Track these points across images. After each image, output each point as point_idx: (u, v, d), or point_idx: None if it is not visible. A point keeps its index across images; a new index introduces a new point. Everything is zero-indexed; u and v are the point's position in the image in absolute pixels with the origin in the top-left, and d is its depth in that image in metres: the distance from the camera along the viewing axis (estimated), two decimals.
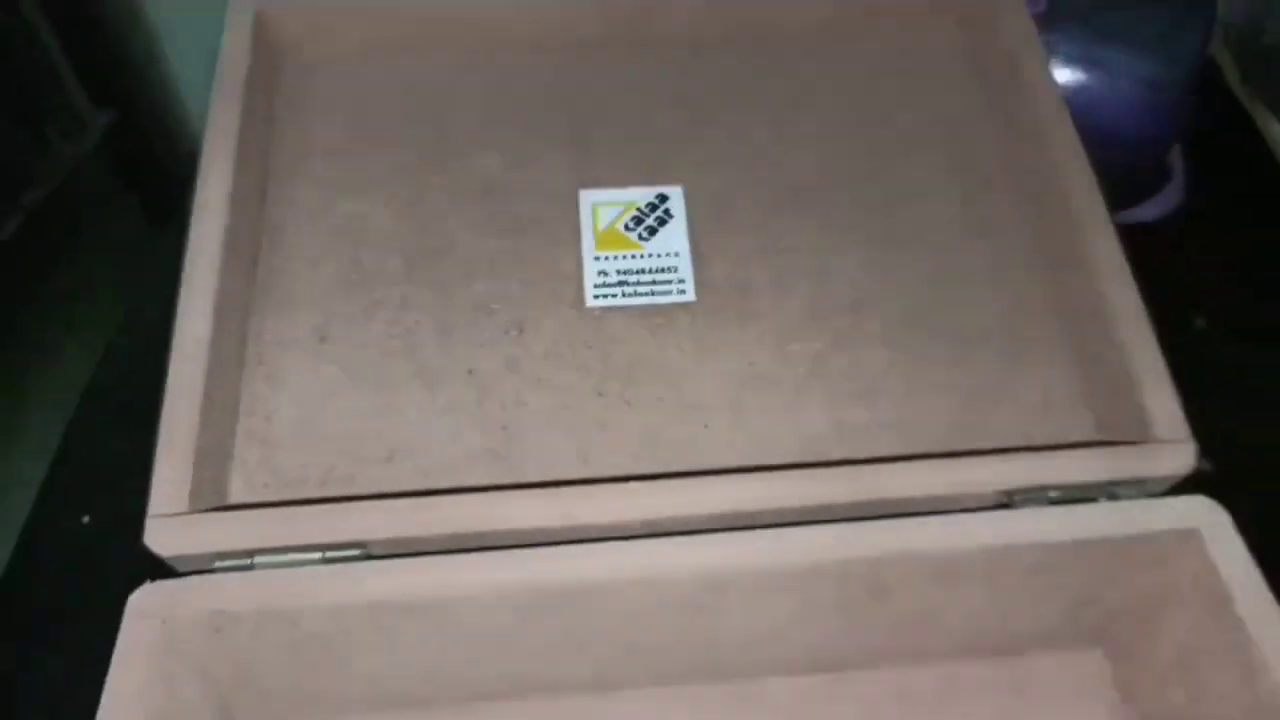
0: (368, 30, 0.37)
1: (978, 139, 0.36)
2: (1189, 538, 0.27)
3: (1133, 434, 0.29)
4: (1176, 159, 0.44)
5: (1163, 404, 0.28)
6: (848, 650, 0.30)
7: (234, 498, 0.29)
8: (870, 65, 0.38)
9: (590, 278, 0.33)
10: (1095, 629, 0.31)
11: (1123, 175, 0.42)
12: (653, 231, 0.34)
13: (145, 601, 0.25)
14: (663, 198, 0.35)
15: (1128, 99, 0.39)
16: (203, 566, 0.26)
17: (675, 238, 0.34)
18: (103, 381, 0.43)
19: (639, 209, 0.34)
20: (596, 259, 0.33)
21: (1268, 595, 0.25)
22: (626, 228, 0.34)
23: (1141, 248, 0.44)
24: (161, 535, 0.25)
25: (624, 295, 0.33)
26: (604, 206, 0.34)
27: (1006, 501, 0.27)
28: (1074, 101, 0.40)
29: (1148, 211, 0.44)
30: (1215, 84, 0.42)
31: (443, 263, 0.33)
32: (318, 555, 0.26)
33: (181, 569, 0.26)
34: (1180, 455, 0.27)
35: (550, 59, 0.38)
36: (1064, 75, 0.39)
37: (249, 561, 0.26)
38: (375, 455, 0.30)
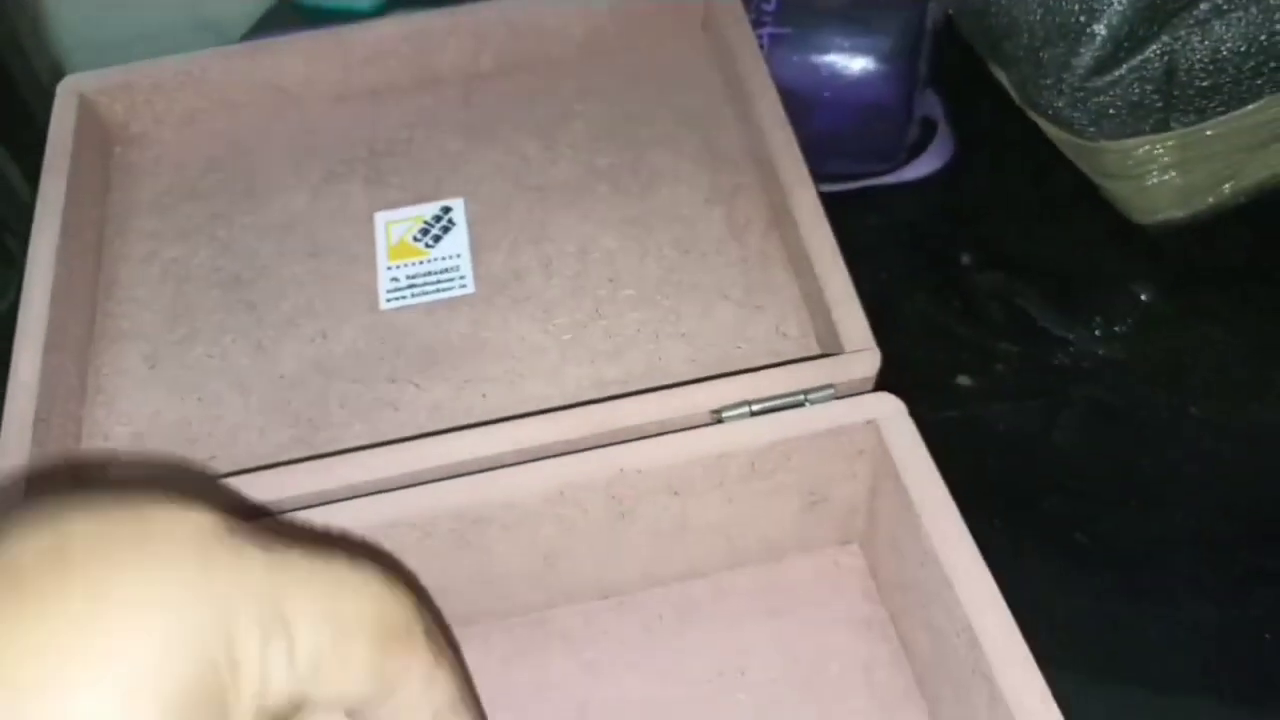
0: (185, 100, 0.42)
1: (719, 127, 0.41)
2: (871, 428, 0.31)
3: (831, 349, 0.33)
4: (940, 117, 0.49)
5: (852, 322, 0.33)
6: (622, 575, 0.34)
7: None
8: (627, 76, 0.43)
9: (384, 285, 0.38)
10: (842, 526, 0.35)
11: (886, 139, 0.47)
12: (438, 239, 0.39)
13: None
14: (446, 209, 0.40)
15: (862, 72, 0.44)
16: None
17: (457, 242, 0.39)
18: None
19: (425, 221, 0.40)
20: (389, 269, 0.38)
21: (929, 465, 0.30)
22: (415, 239, 0.39)
23: (917, 201, 0.49)
24: None
25: (413, 295, 0.38)
26: (395, 224, 0.40)
27: (717, 419, 0.32)
28: (819, 81, 0.45)
29: (920, 168, 0.48)
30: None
31: (254, 290, 0.38)
32: None
33: None
34: (863, 361, 0.32)
35: (348, 107, 0.43)
36: (803, 61, 0.44)
37: None
38: (200, 458, 0.35)
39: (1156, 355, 0.43)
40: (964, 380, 0.41)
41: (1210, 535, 0.38)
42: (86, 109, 0.41)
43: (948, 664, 0.29)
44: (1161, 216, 0.43)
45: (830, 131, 0.46)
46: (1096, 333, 0.43)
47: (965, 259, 0.46)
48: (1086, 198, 0.46)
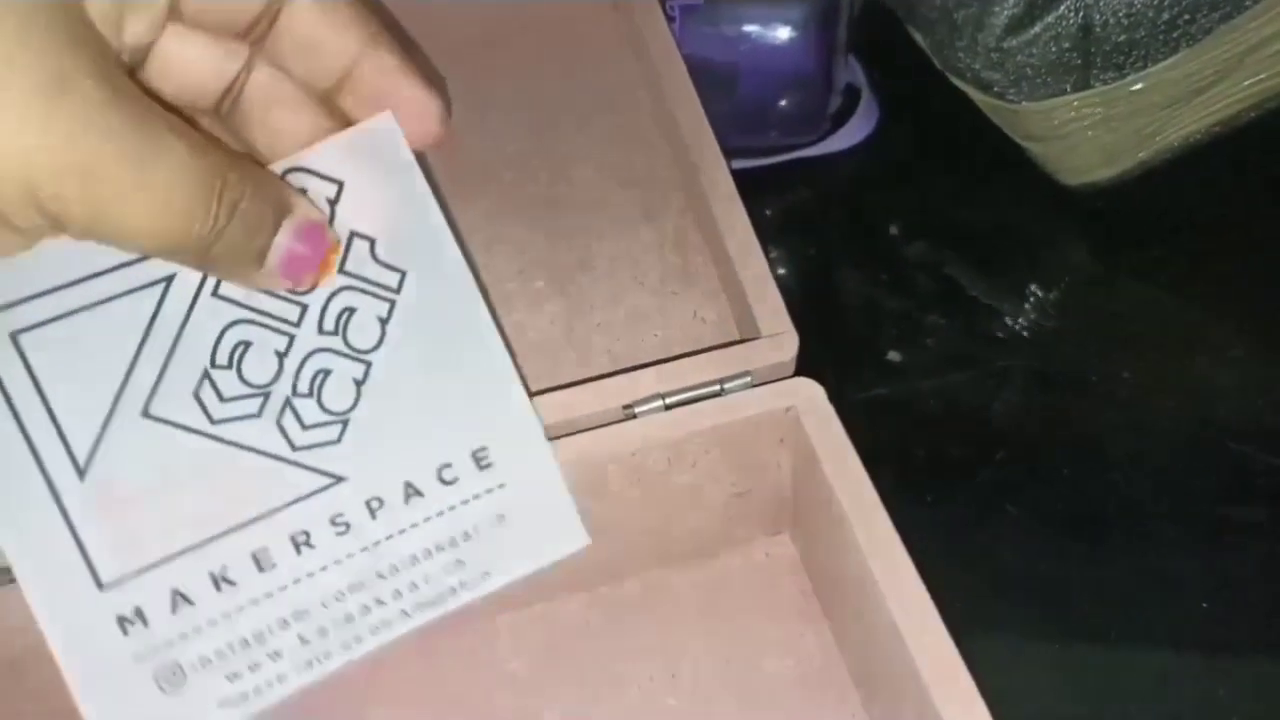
0: None
1: (632, 108, 0.40)
2: (789, 414, 0.30)
3: (749, 334, 0.32)
4: (863, 84, 0.48)
5: (767, 305, 0.32)
6: (546, 579, 0.33)
7: None
8: (533, 58, 0.41)
9: None
10: (770, 518, 0.34)
11: (807, 110, 0.46)
12: None
13: None
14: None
15: (778, 40, 0.43)
16: None
17: None
18: None
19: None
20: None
21: (849, 451, 0.28)
22: None
23: (841, 172, 0.48)
24: None
25: None
26: None
27: (631, 415, 0.30)
28: (734, 52, 0.43)
29: (845, 139, 0.47)
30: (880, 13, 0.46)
31: None
32: None
33: None
34: (780, 346, 0.31)
35: None
36: (715, 32, 0.43)
37: None
38: None
39: (1090, 318, 0.42)
40: (894, 356, 0.40)
41: (1152, 495, 0.37)
42: None
43: (878, 659, 0.28)
44: (1089, 177, 0.42)
45: (750, 103, 0.44)
46: (1029, 299, 0.42)
47: (894, 230, 0.45)
48: (1014, 161, 0.45)
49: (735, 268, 0.33)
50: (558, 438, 0.30)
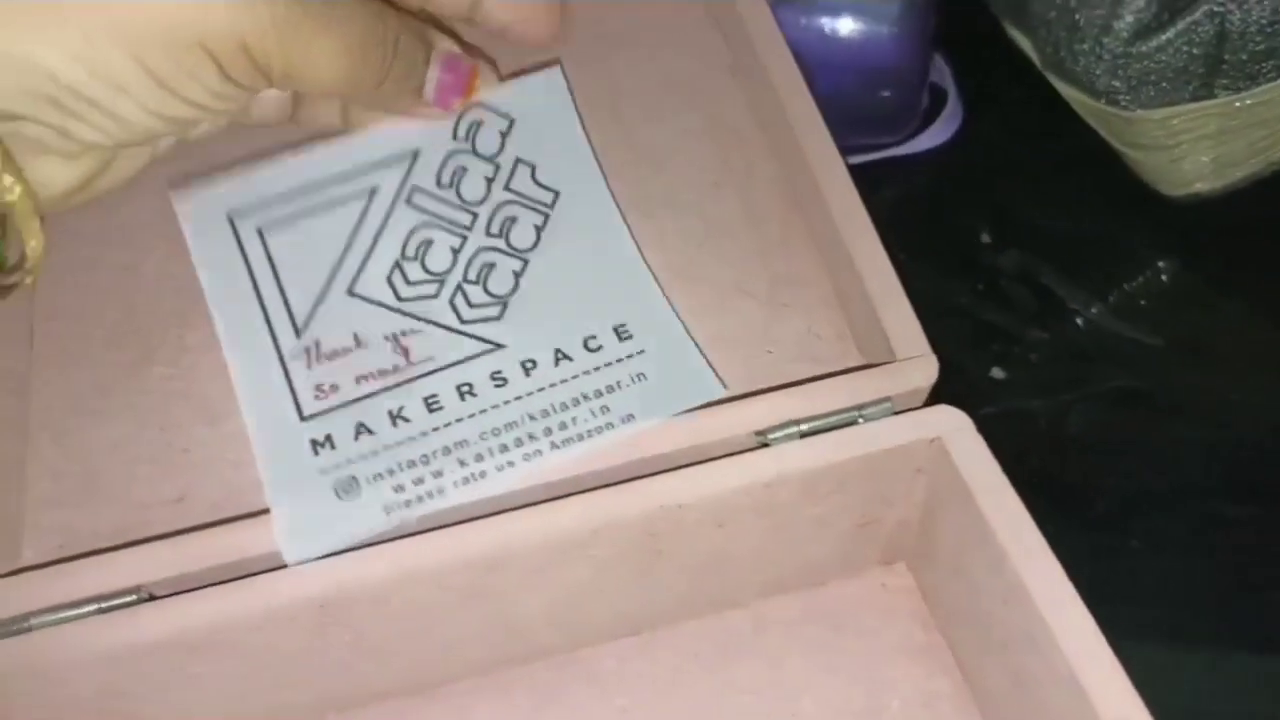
0: None
1: (723, 97, 0.38)
2: (934, 445, 0.28)
3: (880, 357, 0.30)
4: (950, 85, 0.46)
5: (902, 325, 0.30)
6: (654, 608, 0.31)
7: (23, 561, 0.29)
8: (613, 45, 0.39)
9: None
10: (889, 547, 0.32)
11: (899, 108, 0.44)
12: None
13: None
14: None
15: (874, 35, 0.40)
16: None
17: None
18: None
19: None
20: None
21: (1006, 489, 0.27)
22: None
23: (929, 173, 0.46)
24: None
25: None
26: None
27: (763, 442, 0.28)
28: (827, 45, 0.41)
29: (931, 139, 0.45)
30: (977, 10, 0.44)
31: None
32: (94, 607, 0.26)
33: None
34: (920, 370, 0.29)
35: None
36: (809, 23, 0.41)
37: (27, 625, 0.26)
38: (166, 498, 0.31)
39: (1191, 334, 0.41)
40: (998, 373, 0.39)
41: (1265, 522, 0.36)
42: None
43: (1033, 708, 0.26)
44: (1192, 189, 0.40)
45: (842, 100, 0.42)
46: (1127, 313, 0.41)
47: (985, 237, 0.43)
48: (1104, 165, 0.43)
49: (861, 279, 0.31)
50: (685, 466, 0.28)
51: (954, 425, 0.28)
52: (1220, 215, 0.42)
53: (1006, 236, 0.43)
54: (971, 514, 0.27)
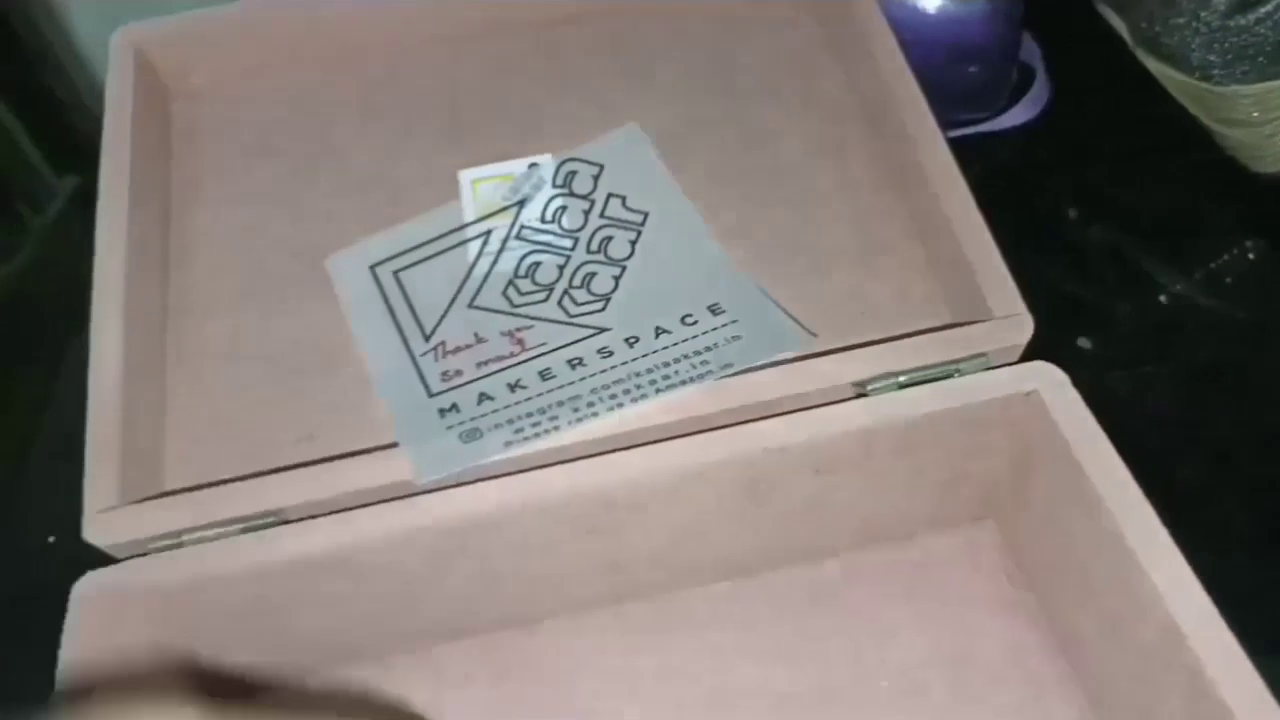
0: (246, 51, 0.39)
1: (819, 71, 0.39)
2: (1030, 399, 0.29)
3: (974, 317, 0.31)
4: (1038, 64, 0.46)
5: (997, 286, 0.31)
6: (751, 553, 0.32)
7: (166, 488, 0.31)
8: (719, 23, 0.40)
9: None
10: (979, 502, 0.33)
11: (991, 85, 0.45)
12: (524, 200, 0.36)
13: (86, 588, 0.28)
14: (534, 166, 0.37)
15: (964, 16, 0.41)
16: (138, 552, 0.28)
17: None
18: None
19: (515, 179, 0.37)
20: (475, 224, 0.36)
21: (1102, 439, 0.28)
22: (504, 197, 0.36)
23: (1016, 149, 0.46)
24: (97, 527, 0.28)
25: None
26: (482, 182, 0.37)
27: (861, 392, 0.29)
28: (920, 21, 0.42)
29: (1017, 116, 0.46)
30: None
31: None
32: (238, 528, 0.28)
33: (120, 556, 0.29)
34: (1016, 327, 0.30)
35: (416, 56, 0.40)
36: (904, 8, 0.41)
37: (179, 541, 0.28)
38: (293, 438, 0.32)
39: (1276, 311, 0.41)
40: (1084, 343, 0.39)
41: None
42: (143, 63, 0.38)
43: (1125, 654, 0.27)
44: None
45: (927, 75, 0.43)
46: (1213, 289, 0.41)
47: (1072, 212, 0.43)
48: (1193, 144, 0.43)
49: (960, 244, 0.32)
50: (787, 413, 0.29)
51: (1050, 379, 0.29)
52: None
53: (1094, 212, 0.43)
54: (1068, 465, 0.28)
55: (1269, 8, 0.35)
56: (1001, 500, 0.33)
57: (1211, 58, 0.37)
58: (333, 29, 0.39)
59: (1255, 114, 0.39)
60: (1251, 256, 0.42)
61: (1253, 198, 0.43)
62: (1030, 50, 0.47)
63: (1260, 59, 0.37)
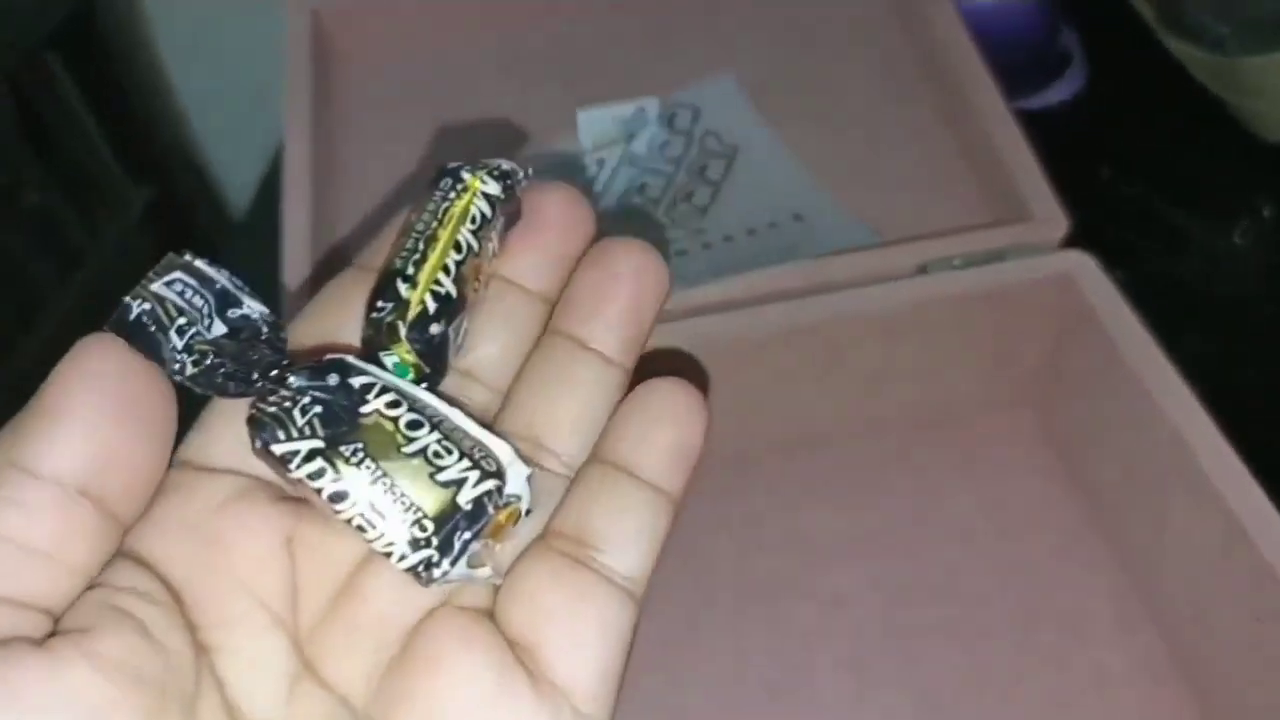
0: (400, 11, 0.47)
1: (889, 38, 0.45)
2: (1066, 278, 0.34)
3: (1021, 217, 0.37)
4: (1074, 46, 0.53)
5: (1041, 193, 0.36)
6: (827, 421, 0.38)
7: None
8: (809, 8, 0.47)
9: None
10: (1021, 387, 0.38)
11: (1021, 65, 0.51)
12: (632, 134, 0.43)
13: None
14: (641, 109, 0.44)
15: (1008, 9, 0.48)
16: None
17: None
18: None
19: (625, 118, 0.43)
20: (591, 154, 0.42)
21: (1129, 315, 0.33)
22: (616, 133, 0.43)
23: (1053, 124, 0.52)
24: None
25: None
26: (597, 120, 0.43)
27: (923, 270, 0.35)
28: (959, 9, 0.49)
29: (1055, 94, 0.52)
30: None
31: None
32: None
33: None
34: (1052, 225, 0.35)
35: (541, 18, 0.47)
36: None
37: None
38: None
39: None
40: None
41: None
42: (316, 27, 0.45)
43: (1138, 480, 0.32)
44: None
45: None
46: (1233, 241, 0.46)
47: (1104, 172, 0.49)
48: (1213, 117, 0.49)
49: (1006, 163, 0.37)
50: (861, 286, 0.35)
51: (1083, 265, 0.34)
52: None
53: (1124, 175, 0.49)
54: (1100, 344, 0.33)
55: None
56: (1041, 387, 0.38)
57: (1226, 28, 0.43)
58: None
59: (1265, 82, 0.45)
60: (1266, 214, 0.48)
61: (1266, 164, 0.48)
62: (1069, 38, 0.53)
63: (1266, 30, 0.42)
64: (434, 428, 0.17)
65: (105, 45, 1.16)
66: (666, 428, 0.18)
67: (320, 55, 0.44)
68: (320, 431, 0.16)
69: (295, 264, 0.36)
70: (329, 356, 0.17)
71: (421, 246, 0.18)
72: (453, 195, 0.19)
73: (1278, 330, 0.44)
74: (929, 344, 0.36)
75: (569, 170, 0.42)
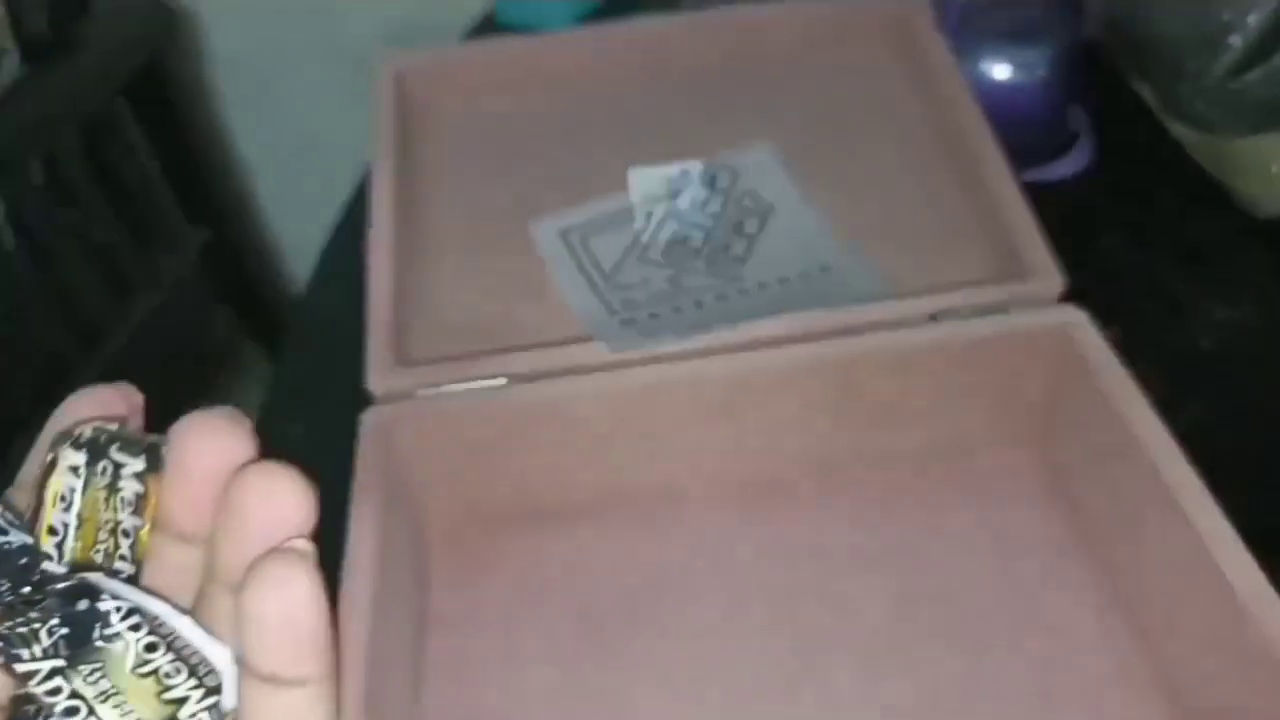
0: (473, 78, 0.52)
1: (909, 116, 0.50)
2: (1061, 330, 0.39)
3: (1022, 276, 0.41)
4: (1082, 124, 0.58)
5: (1040, 253, 0.41)
6: (840, 451, 0.42)
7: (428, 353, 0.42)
8: (828, 71, 0.52)
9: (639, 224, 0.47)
10: (1022, 425, 0.43)
11: (1032, 141, 0.56)
12: (678, 192, 0.48)
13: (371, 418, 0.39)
14: (686, 171, 0.49)
15: (1015, 82, 0.53)
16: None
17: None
18: None
19: (671, 178, 0.49)
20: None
21: (1116, 365, 0.37)
22: (663, 190, 0.48)
23: (1061, 196, 0.57)
24: (374, 379, 0.39)
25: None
26: (646, 179, 0.49)
27: (933, 319, 0.40)
28: (985, 91, 0.54)
29: (1060, 170, 0.57)
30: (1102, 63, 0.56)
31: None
32: (464, 387, 0.39)
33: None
34: (1050, 283, 0.40)
35: (599, 87, 0.53)
36: (971, 69, 0.53)
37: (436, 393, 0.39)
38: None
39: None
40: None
41: None
42: (400, 86, 0.51)
43: (1121, 507, 0.36)
44: None
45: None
46: (1226, 312, 0.51)
47: (1107, 241, 0.54)
48: (1214, 200, 0.54)
49: (1009, 225, 0.42)
50: (878, 331, 0.40)
51: (1078, 318, 0.39)
52: None
53: (1127, 242, 0.54)
54: (1090, 387, 0.37)
55: (1256, 74, 0.46)
56: (1038, 425, 0.42)
57: (1215, 112, 0.48)
58: (538, 62, 0.53)
59: (1257, 161, 0.49)
60: (1258, 282, 0.52)
61: (1259, 238, 0.53)
62: (1077, 117, 0.58)
63: (1254, 114, 0.47)
64: (169, 648, 0.20)
65: (173, 94, 1.24)
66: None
67: (402, 113, 0.50)
68: (64, 652, 0.19)
69: (380, 307, 0.41)
70: (80, 577, 0.20)
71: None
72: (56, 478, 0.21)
73: (1262, 388, 0.48)
74: (938, 385, 0.40)
75: (622, 220, 0.47)
